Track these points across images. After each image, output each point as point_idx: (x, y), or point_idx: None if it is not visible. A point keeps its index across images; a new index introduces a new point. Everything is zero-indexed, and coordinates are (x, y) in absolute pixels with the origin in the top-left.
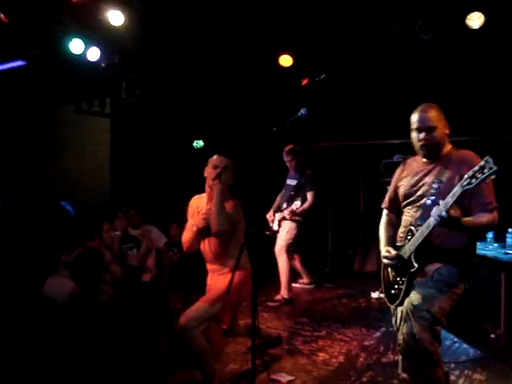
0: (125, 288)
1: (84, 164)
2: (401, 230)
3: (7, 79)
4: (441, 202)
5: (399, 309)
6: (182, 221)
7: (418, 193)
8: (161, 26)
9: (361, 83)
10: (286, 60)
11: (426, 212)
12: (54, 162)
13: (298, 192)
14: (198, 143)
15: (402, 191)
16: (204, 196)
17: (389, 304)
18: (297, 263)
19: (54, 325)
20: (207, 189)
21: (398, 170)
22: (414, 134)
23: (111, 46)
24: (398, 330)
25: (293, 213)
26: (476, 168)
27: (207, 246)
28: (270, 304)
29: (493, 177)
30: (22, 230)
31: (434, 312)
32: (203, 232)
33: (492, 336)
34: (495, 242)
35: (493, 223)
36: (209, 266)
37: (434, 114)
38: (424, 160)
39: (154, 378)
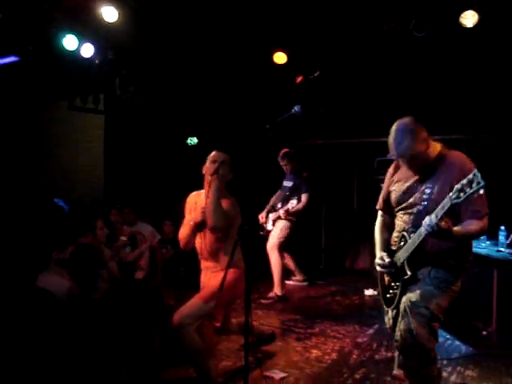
0: (119, 285)
1: (78, 161)
2: (394, 234)
3: (0, 75)
4: (431, 214)
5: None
6: (176, 218)
7: (410, 200)
8: (155, 23)
9: (355, 81)
10: (280, 57)
11: (418, 218)
12: (47, 159)
13: (294, 193)
14: (192, 140)
15: (393, 197)
16: (202, 192)
17: (385, 307)
18: (288, 262)
19: (49, 318)
20: (206, 185)
21: (390, 170)
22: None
23: (105, 43)
24: (390, 328)
25: (287, 212)
26: (464, 181)
27: (203, 243)
28: (263, 301)
29: (481, 192)
30: (15, 226)
31: (431, 309)
32: (200, 227)
33: (484, 333)
34: (488, 240)
35: (482, 230)
36: (203, 264)
37: (407, 142)
38: None
39: (147, 374)
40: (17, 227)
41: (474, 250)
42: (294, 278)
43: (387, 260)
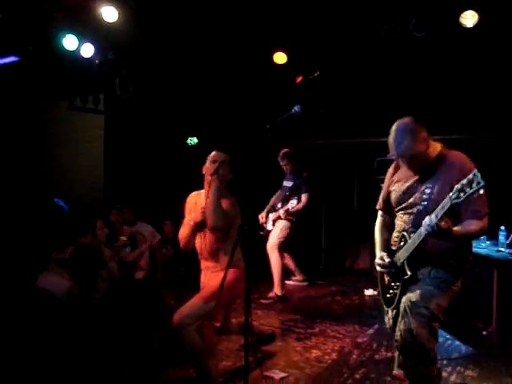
0: (119, 285)
1: (78, 161)
2: (394, 234)
3: (0, 75)
4: (431, 214)
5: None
6: (176, 218)
7: (410, 200)
8: (155, 23)
9: (355, 81)
10: (280, 57)
11: (418, 218)
12: (47, 159)
13: (294, 193)
14: (192, 140)
15: (393, 197)
16: (202, 192)
17: (385, 307)
18: (288, 262)
19: (49, 318)
20: (206, 185)
21: (390, 170)
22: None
23: (105, 42)
24: (390, 328)
25: (287, 212)
26: (464, 181)
27: (203, 243)
28: (263, 301)
29: (481, 192)
30: (15, 226)
31: (431, 309)
32: (200, 227)
33: (484, 333)
34: (488, 240)
35: (482, 230)
36: (203, 264)
37: (407, 142)
38: None
39: (147, 374)
40: (17, 227)
41: (474, 250)
42: (294, 278)
43: (387, 260)
